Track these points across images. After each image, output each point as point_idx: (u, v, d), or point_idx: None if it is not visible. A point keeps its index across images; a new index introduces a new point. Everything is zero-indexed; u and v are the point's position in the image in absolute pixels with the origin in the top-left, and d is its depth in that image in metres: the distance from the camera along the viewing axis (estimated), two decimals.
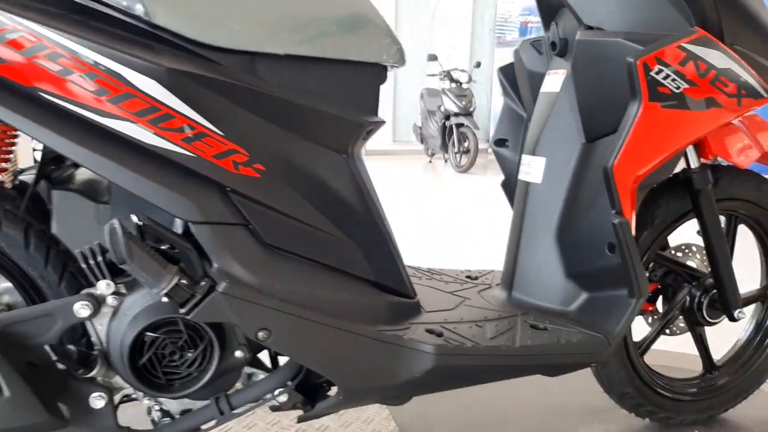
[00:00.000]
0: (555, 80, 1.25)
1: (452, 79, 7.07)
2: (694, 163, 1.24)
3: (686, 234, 1.38)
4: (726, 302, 1.34)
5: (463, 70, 7.15)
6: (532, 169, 1.27)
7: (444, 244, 3.79)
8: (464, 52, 8.66)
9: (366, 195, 1.05)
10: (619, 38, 1.08)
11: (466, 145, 6.82)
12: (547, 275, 1.26)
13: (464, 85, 7.09)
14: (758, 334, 1.49)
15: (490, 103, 8.77)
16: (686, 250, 1.43)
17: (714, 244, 1.30)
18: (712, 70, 1.08)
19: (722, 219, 1.41)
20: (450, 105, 6.92)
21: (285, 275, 0.94)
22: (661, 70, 1.03)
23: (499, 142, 1.47)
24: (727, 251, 1.31)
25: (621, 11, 1.13)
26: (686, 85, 1.06)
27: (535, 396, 1.59)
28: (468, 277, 1.46)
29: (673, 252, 1.40)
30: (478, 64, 7.48)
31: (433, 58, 7.13)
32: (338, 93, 1.00)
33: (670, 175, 1.23)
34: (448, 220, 4.49)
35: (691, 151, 1.22)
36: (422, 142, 7.83)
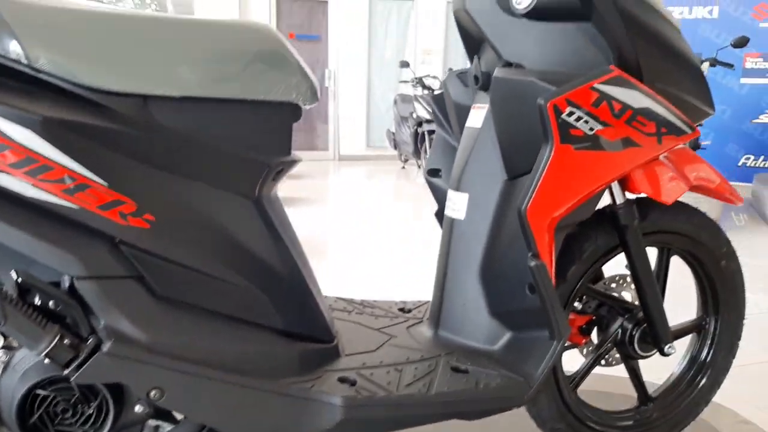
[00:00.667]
0: (478, 115, 1.23)
1: (424, 86, 7.04)
2: (619, 199, 1.22)
3: (623, 263, 1.37)
4: (656, 337, 1.33)
5: (435, 77, 7.14)
6: (456, 204, 1.25)
7: (411, 249, 3.77)
8: (438, 58, 8.65)
9: (277, 239, 1.01)
10: (532, 77, 1.06)
11: None
12: (472, 313, 1.23)
13: (436, 92, 7.07)
14: (693, 367, 1.49)
15: None
16: (620, 281, 1.41)
17: (642, 280, 1.28)
18: (628, 109, 1.06)
19: (655, 251, 1.41)
20: (422, 112, 6.90)
21: (180, 329, 0.90)
22: (572, 112, 1.01)
23: (432, 172, 1.44)
24: (655, 286, 1.30)
25: (540, 48, 1.11)
26: (600, 126, 1.04)
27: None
28: (401, 309, 1.44)
29: (606, 283, 1.39)
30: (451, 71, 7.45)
31: (405, 64, 7.10)
32: (242, 134, 0.96)
33: (597, 210, 1.22)
34: (418, 226, 4.47)
35: (616, 187, 1.21)
36: (396, 147, 7.81)
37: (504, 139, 1.14)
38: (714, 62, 4.89)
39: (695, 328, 1.49)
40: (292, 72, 0.99)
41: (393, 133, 7.77)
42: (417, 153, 7.22)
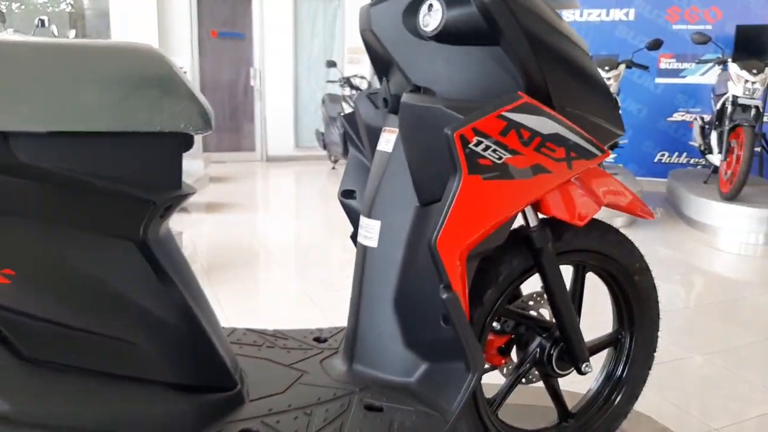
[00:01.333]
0: (389, 138, 1.18)
1: (352, 86, 6.98)
2: (532, 222, 1.20)
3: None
4: (573, 355, 1.32)
5: (362, 77, 7.08)
6: (369, 232, 1.19)
7: (341, 256, 3.71)
8: (366, 57, 8.59)
9: (166, 282, 0.92)
10: (440, 105, 1.01)
11: None
12: (387, 344, 1.18)
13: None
14: (610, 381, 1.50)
15: None
16: (538, 299, 1.40)
17: (557, 300, 1.27)
18: (537, 136, 1.03)
19: (570, 269, 1.40)
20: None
21: (50, 394, 0.80)
22: (480, 142, 0.97)
23: (346, 194, 1.38)
24: (571, 306, 1.29)
25: (449, 72, 1.06)
26: (509, 155, 1.01)
27: None
28: (316, 339, 1.37)
29: (524, 301, 1.37)
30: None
31: (331, 64, 7.01)
32: (122, 171, 0.87)
33: (512, 232, 1.20)
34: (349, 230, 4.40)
35: (529, 210, 1.19)
36: (325, 148, 7.70)
37: (414, 165, 1.09)
38: (630, 64, 5.07)
39: (611, 342, 1.50)
40: (179, 98, 0.90)
41: (322, 134, 7.66)
42: (346, 153, 7.15)
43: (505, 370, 1.39)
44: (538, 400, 1.61)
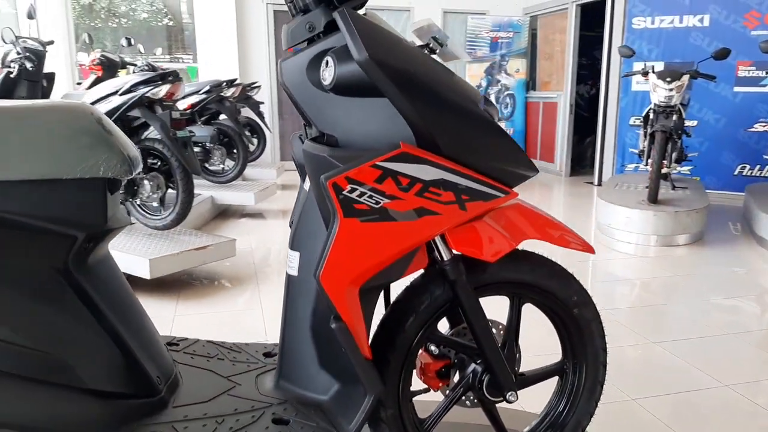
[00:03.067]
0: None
1: None
2: (445, 256, 1.27)
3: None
4: (498, 385, 1.37)
5: None
6: (291, 261, 1.31)
7: None
8: None
9: (89, 303, 1.09)
10: (325, 153, 1.12)
11: None
12: (307, 364, 1.29)
13: None
14: (555, 410, 1.52)
15: None
16: None
17: (476, 331, 1.33)
18: (418, 182, 1.10)
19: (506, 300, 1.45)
20: None
21: None
22: (354, 189, 1.06)
23: (291, 223, 1.51)
24: (490, 337, 1.34)
25: (348, 121, 1.15)
26: (387, 200, 1.09)
27: None
28: (266, 354, 1.50)
29: (465, 328, 1.43)
30: None
31: None
32: (46, 211, 1.04)
33: (433, 263, 1.27)
34: None
35: (441, 244, 1.26)
36: None
37: (319, 204, 1.20)
38: (695, 74, 4.84)
39: (556, 372, 1.53)
40: (100, 149, 1.06)
41: None
42: None
43: (447, 392, 1.46)
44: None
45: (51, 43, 4.48)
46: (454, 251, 1.27)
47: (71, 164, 1.04)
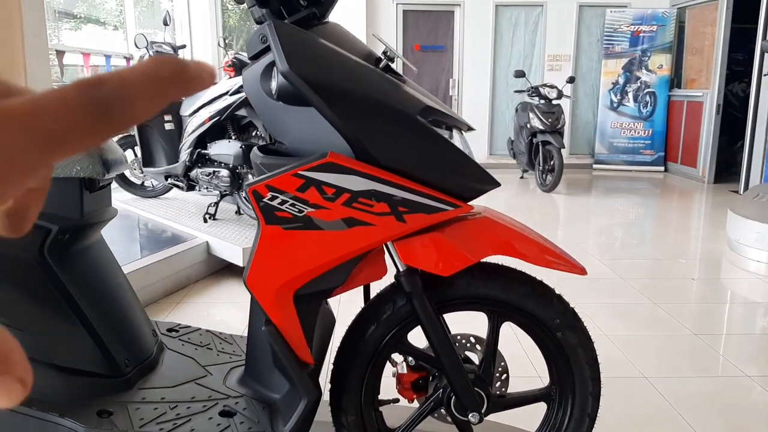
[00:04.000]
0: None
1: (540, 95, 6.83)
2: (400, 267, 1.25)
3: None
4: (460, 404, 1.32)
5: (552, 86, 6.87)
6: None
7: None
8: (568, 64, 8.27)
9: (60, 289, 1.23)
10: (258, 161, 1.15)
11: (551, 163, 6.58)
12: (265, 363, 1.34)
13: (554, 102, 6.81)
14: None
15: (596, 117, 8.28)
16: (462, 341, 1.42)
17: (436, 347, 1.29)
18: (345, 192, 1.09)
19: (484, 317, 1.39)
20: (536, 122, 6.70)
21: None
22: (275, 197, 1.08)
23: None
24: (452, 353, 1.29)
25: (293, 130, 1.17)
26: (311, 209, 1.09)
27: None
28: None
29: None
30: (571, 80, 7.14)
31: (520, 74, 6.94)
32: None
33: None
34: None
35: (395, 255, 1.24)
36: (514, 157, 7.66)
37: None
38: None
39: (543, 397, 1.43)
40: None
41: (512, 142, 7.63)
42: (531, 164, 7.03)
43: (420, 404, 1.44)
44: None
45: (183, 47, 4.95)
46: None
47: None
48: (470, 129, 1.30)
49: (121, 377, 1.29)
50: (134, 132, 4.88)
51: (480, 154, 8.51)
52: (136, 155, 5.11)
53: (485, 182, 1.22)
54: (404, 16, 8.18)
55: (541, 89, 6.85)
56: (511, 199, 6.49)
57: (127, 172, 5.29)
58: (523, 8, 8.21)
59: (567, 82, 7.07)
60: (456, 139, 1.23)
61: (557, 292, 1.36)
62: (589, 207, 6.15)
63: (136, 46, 4.50)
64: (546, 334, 1.34)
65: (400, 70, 1.31)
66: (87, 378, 1.25)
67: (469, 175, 1.20)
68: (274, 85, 1.16)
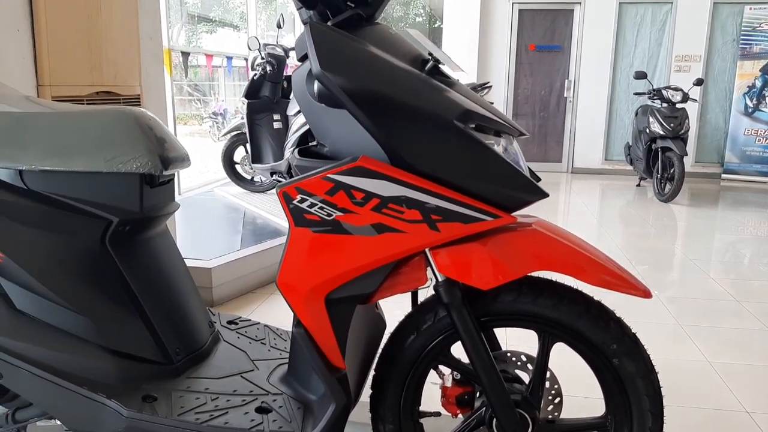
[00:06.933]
0: None
1: (663, 99, 6.36)
2: (439, 277, 1.20)
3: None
4: (499, 424, 1.25)
5: (677, 89, 6.38)
6: None
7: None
8: (698, 65, 7.63)
9: (119, 277, 1.31)
10: (296, 163, 1.14)
11: (671, 171, 6.11)
12: (304, 363, 1.34)
13: (678, 105, 6.32)
14: None
15: (728, 123, 7.57)
16: (512, 358, 1.35)
17: (476, 364, 1.22)
18: (375, 197, 1.06)
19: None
20: (656, 127, 6.25)
21: (25, 335, 1.26)
22: (304, 200, 1.07)
23: None
24: (493, 372, 1.22)
25: (335, 132, 1.16)
26: (339, 213, 1.07)
27: None
28: None
29: (495, 358, 1.34)
30: (699, 82, 6.58)
31: (640, 75, 6.51)
32: (89, 197, 1.28)
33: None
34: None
35: (434, 265, 1.19)
36: (631, 163, 7.20)
37: None
38: None
39: (597, 427, 1.32)
40: (136, 149, 1.27)
41: (629, 147, 7.18)
42: (648, 171, 6.57)
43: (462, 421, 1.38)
44: None
45: (293, 49, 5.13)
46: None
47: (110, 160, 1.26)
48: (522, 135, 1.22)
49: (170, 365, 1.35)
50: (245, 129, 5.15)
51: (595, 159, 8.09)
52: (246, 152, 5.38)
53: (530, 192, 1.14)
54: (520, 15, 7.96)
55: (663, 92, 6.39)
56: (625, 208, 6.11)
57: (238, 168, 5.58)
58: (650, 5, 7.69)
59: (694, 84, 6.54)
60: (500, 146, 1.16)
61: (617, 315, 1.25)
62: (713, 220, 5.64)
63: (249, 49, 4.73)
64: (600, 359, 1.24)
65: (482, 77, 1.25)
66: (138, 363, 1.32)
67: (512, 183, 1.13)
68: (316, 86, 1.15)
